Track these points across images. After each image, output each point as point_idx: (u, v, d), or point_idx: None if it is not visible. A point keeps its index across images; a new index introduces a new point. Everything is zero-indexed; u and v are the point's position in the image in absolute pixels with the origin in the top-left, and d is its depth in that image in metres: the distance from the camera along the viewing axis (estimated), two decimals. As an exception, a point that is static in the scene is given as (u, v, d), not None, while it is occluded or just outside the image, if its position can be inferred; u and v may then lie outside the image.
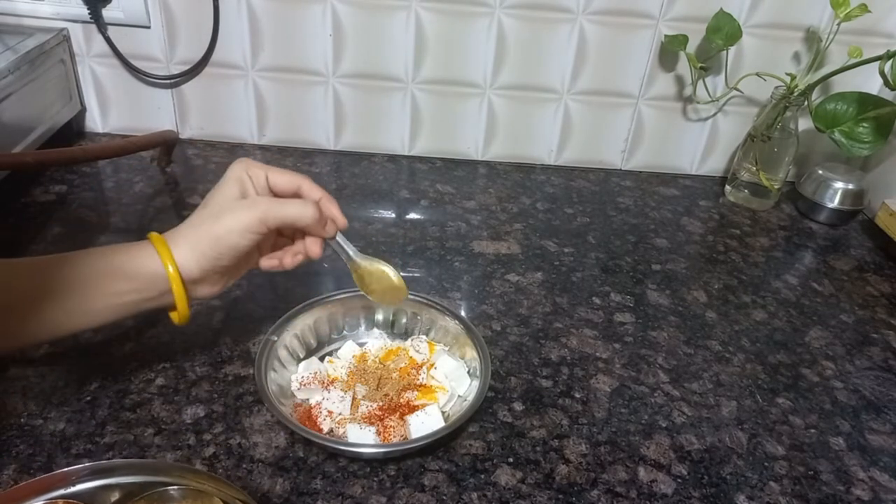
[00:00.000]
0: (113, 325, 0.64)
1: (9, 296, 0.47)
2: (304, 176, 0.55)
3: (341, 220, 0.56)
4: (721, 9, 0.88)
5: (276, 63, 0.94)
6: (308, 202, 0.53)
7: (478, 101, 0.97)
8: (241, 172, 0.53)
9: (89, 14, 0.89)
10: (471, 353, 0.61)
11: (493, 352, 0.66)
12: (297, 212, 0.52)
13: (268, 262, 0.56)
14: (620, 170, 1.04)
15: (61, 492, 0.42)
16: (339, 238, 0.57)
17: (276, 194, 0.55)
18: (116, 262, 0.50)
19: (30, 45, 0.84)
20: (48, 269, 0.48)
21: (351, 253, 0.58)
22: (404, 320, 0.66)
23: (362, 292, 0.60)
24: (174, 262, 0.49)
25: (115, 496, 0.43)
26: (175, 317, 0.53)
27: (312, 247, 0.56)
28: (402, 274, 0.59)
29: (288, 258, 0.56)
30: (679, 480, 0.55)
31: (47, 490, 0.42)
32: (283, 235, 0.57)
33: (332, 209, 0.55)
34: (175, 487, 0.42)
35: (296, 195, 0.55)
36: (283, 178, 0.54)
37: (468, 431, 0.57)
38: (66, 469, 0.42)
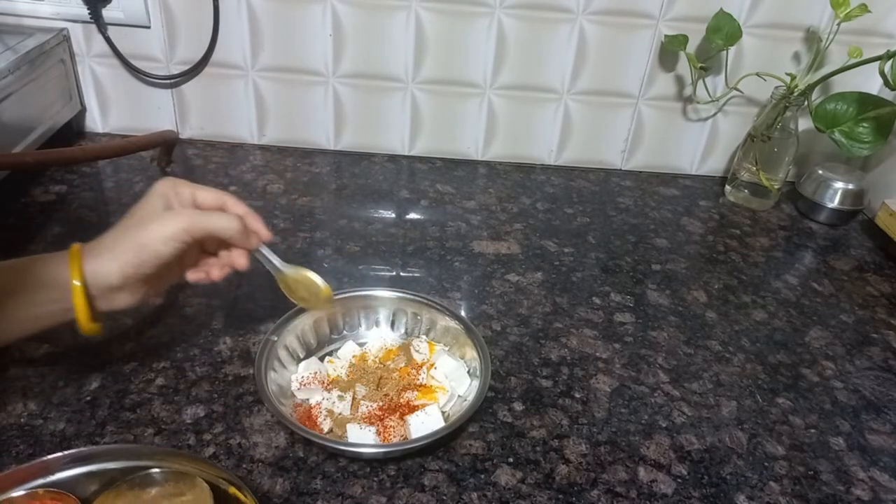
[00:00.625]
0: (113, 325, 0.65)
1: None
2: (229, 193, 0.56)
3: (265, 234, 0.57)
4: (721, 9, 0.88)
5: (276, 63, 0.94)
6: (232, 215, 0.54)
7: (478, 101, 0.97)
8: (167, 189, 0.54)
9: (89, 14, 0.89)
10: (471, 353, 0.61)
11: (493, 352, 0.66)
12: (221, 223, 0.53)
13: (194, 275, 0.57)
14: (620, 170, 1.04)
15: (41, 481, 0.42)
16: (264, 249, 0.58)
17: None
18: (36, 271, 0.51)
19: (30, 45, 0.84)
20: None
21: (276, 263, 0.59)
22: (404, 320, 0.66)
23: (293, 301, 0.61)
24: (81, 275, 0.50)
25: (96, 485, 0.43)
26: (82, 327, 0.52)
27: (238, 259, 0.57)
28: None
29: (215, 270, 0.57)
30: (679, 480, 0.55)
31: (27, 480, 0.41)
32: (205, 252, 0.58)
33: (256, 223, 0.57)
34: (157, 470, 0.42)
35: (220, 211, 0.56)
36: (209, 196, 0.56)
37: (468, 431, 0.57)
38: (45, 458, 0.42)
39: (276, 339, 0.60)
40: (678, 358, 0.68)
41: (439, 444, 0.55)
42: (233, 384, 0.60)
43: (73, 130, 0.98)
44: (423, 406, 0.57)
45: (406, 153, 1.02)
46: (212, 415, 0.56)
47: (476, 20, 0.91)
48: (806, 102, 0.88)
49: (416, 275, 0.76)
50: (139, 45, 0.93)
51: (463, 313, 0.70)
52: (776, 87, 0.90)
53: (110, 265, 0.50)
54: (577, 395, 0.62)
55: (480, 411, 0.58)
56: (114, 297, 0.52)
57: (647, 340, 0.70)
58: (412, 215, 0.88)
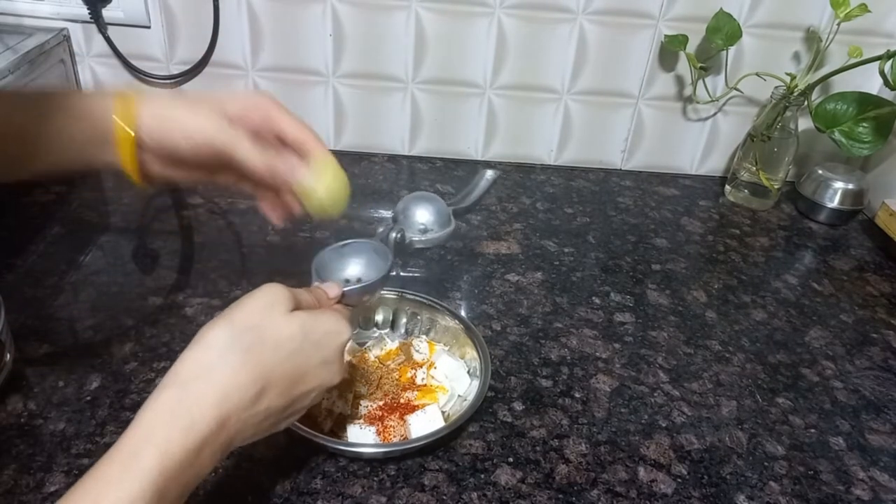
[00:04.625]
0: (113, 325, 0.65)
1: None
2: (316, 139, 0.53)
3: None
4: (721, 9, 0.88)
5: (276, 63, 0.94)
6: (269, 159, 0.51)
7: (478, 101, 0.97)
8: (255, 103, 0.52)
9: (89, 14, 0.89)
10: (471, 353, 0.61)
11: (493, 352, 0.66)
12: (246, 155, 0.49)
13: (269, 212, 0.55)
14: (620, 170, 1.04)
15: None
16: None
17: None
18: (76, 100, 0.49)
19: (30, 45, 0.84)
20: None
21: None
22: (404, 320, 0.66)
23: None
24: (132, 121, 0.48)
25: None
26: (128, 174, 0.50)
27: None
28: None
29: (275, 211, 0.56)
30: (679, 480, 0.55)
31: None
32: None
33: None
34: None
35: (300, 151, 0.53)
36: (292, 127, 0.53)
37: (468, 431, 0.57)
38: None
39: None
40: (678, 358, 0.68)
41: (439, 444, 0.55)
42: (233, 384, 0.59)
43: (73, 130, 0.97)
44: (423, 406, 0.57)
45: (406, 153, 1.02)
46: (212, 415, 0.56)
47: (476, 20, 0.91)
48: (806, 102, 0.88)
49: (416, 275, 0.76)
50: (139, 45, 0.93)
51: (463, 313, 0.70)
52: (776, 87, 0.90)
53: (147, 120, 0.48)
54: (577, 395, 0.62)
55: (480, 411, 0.58)
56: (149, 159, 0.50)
57: (647, 340, 0.70)
58: (412, 215, 0.88)
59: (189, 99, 0.50)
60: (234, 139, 0.49)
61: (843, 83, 0.90)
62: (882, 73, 0.79)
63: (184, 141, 0.49)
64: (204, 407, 0.38)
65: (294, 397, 0.44)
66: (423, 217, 0.73)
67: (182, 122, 0.49)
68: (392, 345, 0.64)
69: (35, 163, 0.49)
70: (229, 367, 0.40)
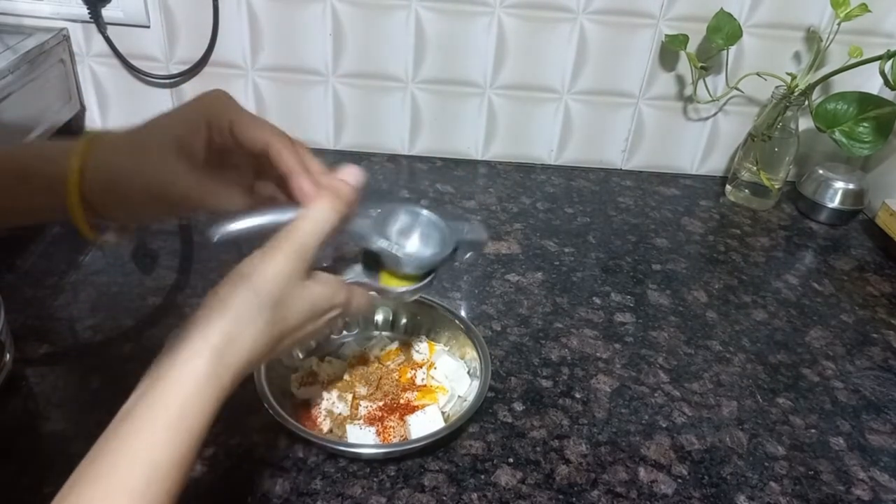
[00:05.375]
0: (113, 325, 0.65)
1: None
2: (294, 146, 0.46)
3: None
4: (721, 8, 0.88)
5: (275, 63, 0.94)
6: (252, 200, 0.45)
7: (478, 100, 0.97)
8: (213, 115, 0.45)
9: (89, 14, 0.89)
10: (471, 353, 0.61)
11: (493, 352, 0.66)
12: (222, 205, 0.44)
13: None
14: (621, 169, 1.04)
15: None
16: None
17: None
18: (32, 156, 0.46)
19: (30, 44, 0.84)
20: None
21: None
22: (404, 320, 0.66)
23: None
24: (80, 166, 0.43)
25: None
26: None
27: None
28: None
29: None
30: (679, 481, 0.55)
31: None
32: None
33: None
34: None
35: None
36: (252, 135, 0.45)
37: (468, 432, 0.57)
38: None
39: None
40: (678, 358, 0.68)
41: (439, 445, 0.55)
42: (233, 384, 0.59)
43: (72, 130, 0.97)
44: (423, 406, 0.57)
45: (406, 153, 1.02)
46: (212, 415, 0.56)
47: (476, 20, 0.91)
48: (806, 102, 0.88)
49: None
50: (139, 44, 0.93)
51: (463, 313, 0.70)
52: (776, 87, 0.90)
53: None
54: (578, 396, 0.62)
55: (480, 411, 0.58)
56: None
57: (648, 340, 0.69)
58: (412, 215, 0.88)
59: (132, 139, 0.44)
60: (196, 191, 0.43)
61: (843, 83, 0.90)
62: (882, 73, 0.79)
63: (137, 195, 0.43)
64: (225, 378, 0.39)
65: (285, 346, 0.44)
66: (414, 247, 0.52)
67: (128, 177, 0.43)
68: (392, 345, 0.64)
69: None
70: (251, 339, 0.40)
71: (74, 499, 0.33)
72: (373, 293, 0.49)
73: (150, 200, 0.44)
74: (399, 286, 0.49)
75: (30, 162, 0.45)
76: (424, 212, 0.51)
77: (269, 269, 0.41)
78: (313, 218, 0.43)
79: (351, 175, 0.46)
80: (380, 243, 0.47)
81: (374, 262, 0.49)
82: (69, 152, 0.43)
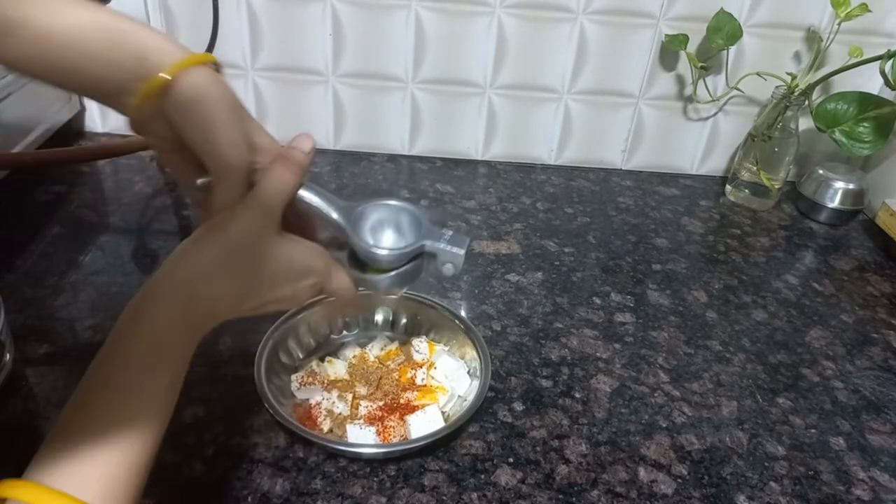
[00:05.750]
0: (113, 325, 0.64)
1: None
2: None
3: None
4: (721, 8, 0.88)
5: (275, 63, 0.94)
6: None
7: (478, 100, 0.97)
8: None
9: (89, 14, 0.89)
10: (471, 353, 0.61)
11: (493, 352, 0.66)
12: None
13: None
14: (621, 169, 1.04)
15: None
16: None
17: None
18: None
19: (29, 44, 0.84)
20: None
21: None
22: (404, 320, 0.66)
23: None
24: None
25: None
26: None
27: None
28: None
29: None
30: (679, 480, 0.55)
31: None
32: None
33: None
34: None
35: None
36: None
37: (468, 431, 0.57)
38: None
39: (276, 339, 0.60)
40: (678, 358, 0.68)
41: (439, 445, 0.55)
42: (233, 384, 0.59)
43: (72, 130, 0.97)
44: (423, 406, 0.57)
45: (406, 153, 1.02)
46: (212, 415, 0.56)
47: (476, 20, 0.91)
48: (806, 102, 0.88)
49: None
50: (139, 44, 0.92)
51: (463, 313, 0.70)
52: (777, 87, 0.90)
53: None
54: (578, 396, 0.62)
55: (480, 411, 0.58)
56: None
57: (648, 340, 0.69)
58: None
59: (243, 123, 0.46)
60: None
61: (843, 83, 0.90)
62: (882, 73, 0.79)
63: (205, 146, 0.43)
64: (197, 319, 0.43)
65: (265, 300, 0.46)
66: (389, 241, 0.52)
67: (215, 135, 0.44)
68: (392, 345, 0.64)
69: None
70: (224, 283, 0.42)
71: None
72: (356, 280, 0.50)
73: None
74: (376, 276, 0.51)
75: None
76: (403, 205, 0.52)
77: (240, 222, 0.43)
78: (273, 181, 0.44)
79: (302, 142, 0.48)
80: (353, 238, 0.48)
81: (360, 261, 0.50)
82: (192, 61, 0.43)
